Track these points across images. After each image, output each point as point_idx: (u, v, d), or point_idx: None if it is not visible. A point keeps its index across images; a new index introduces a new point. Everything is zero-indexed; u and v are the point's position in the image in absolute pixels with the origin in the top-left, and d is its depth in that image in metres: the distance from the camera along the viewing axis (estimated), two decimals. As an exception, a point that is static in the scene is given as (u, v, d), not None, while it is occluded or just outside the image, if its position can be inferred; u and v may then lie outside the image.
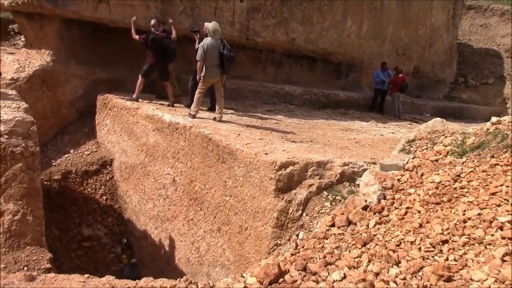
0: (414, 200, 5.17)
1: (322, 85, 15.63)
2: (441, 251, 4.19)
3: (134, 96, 10.32)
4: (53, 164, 10.27)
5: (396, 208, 5.20)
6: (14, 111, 7.90)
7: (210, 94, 10.20)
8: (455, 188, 5.02)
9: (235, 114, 10.57)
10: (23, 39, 14.52)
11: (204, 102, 9.90)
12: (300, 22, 14.05)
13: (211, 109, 10.22)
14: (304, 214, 6.34)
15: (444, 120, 7.15)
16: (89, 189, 10.12)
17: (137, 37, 10.13)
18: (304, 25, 14.17)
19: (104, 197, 10.21)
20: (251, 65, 14.20)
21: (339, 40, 15.31)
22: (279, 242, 6.34)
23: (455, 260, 4.00)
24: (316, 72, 15.75)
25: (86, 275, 4.46)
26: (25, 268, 6.65)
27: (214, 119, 9.21)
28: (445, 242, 4.27)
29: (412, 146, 6.65)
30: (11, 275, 4.62)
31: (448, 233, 4.35)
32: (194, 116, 9.16)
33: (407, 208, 5.09)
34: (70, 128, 11.24)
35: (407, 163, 6.08)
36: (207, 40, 9.03)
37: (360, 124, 11.63)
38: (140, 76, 10.29)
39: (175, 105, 10.40)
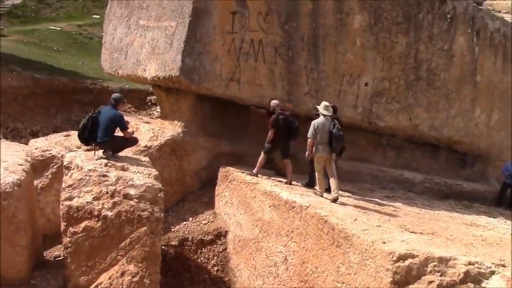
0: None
1: (445, 174, 14.94)
2: None
3: (254, 171, 10.63)
4: (172, 230, 10.73)
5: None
6: (146, 177, 8.49)
7: (309, 169, 10.40)
8: None
9: (352, 197, 10.41)
10: (158, 109, 15.83)
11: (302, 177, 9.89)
12: (425, 108, 13.78)
13: (308, 185, 10.48)
14: (422, 314, 5.93)
15: None
16: (202, 258, 10.36)
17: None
18: (428, 111, 13.87)
19: (216, 268, 10.37)
20: (371, 148, 14.04)
21: (466, 129, 14.70)
22: None
23: None
24: (438, 160, 15.14)
25: None
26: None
27: (332, 200, 9.25)
28: None
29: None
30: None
31: None
32: (322, 196, 9.49)
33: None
34: (191, 196, 11.75)
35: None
36: (318, 119, 9.55)
37: (487, 220, 10.85)
38: (262, 152, 10.63)
39: (293, 183, 10.53)
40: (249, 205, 10.15)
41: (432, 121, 14.01)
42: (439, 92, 13.93)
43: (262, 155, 10.64)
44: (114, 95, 9.63)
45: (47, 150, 10.84)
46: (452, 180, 14.48)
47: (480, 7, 17.87)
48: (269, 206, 9.44)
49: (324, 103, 9.84)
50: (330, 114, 9.68)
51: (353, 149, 12.95)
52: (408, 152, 14.58)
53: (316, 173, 9.82)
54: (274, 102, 10.78)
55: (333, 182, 9.47)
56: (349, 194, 10.66)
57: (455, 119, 14.42)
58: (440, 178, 14.31)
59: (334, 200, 9.22)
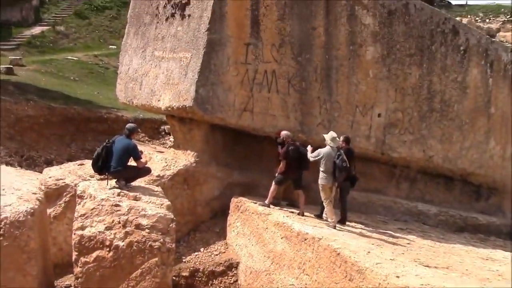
0: None
1: (459, 206, 14.75)
2: None
3: (266, 202, 10.58)
4: (183, 260, 10.65)
5: None
6: (158, 207, 8.48)
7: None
8: None
9: (365, 229, 10.31)
10: (171, 139, 15.91)
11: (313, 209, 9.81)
12: (439, 140, 13.72)
13: (319, 216, 10.50)
14: None
15: None
16: (213, 290, 10.26)
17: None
18: (442, 143, 13.80)
19: (226, 300, 10.25)
20: (384, 180, 13.94)
21: (480, 161, 14.58)
22: None
23: None
24: (453, 192, 14.97)
25: None
26: None
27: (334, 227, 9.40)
28: None
29: None
30: None
31: None
32: (335, 227, 9.57)
33: None
34: (202, 226, 11.70)
35: None
36: (325, 148, 9.85)
37: (503, 254, 10.64)
38: (274, 183, 10.60)
39: (305, 214, 10.47)
40: (261, 236, 10.07)
41: (446, 152, 13.92)
42: (453, 124, 13.88)
43: (273, 186, 10.60)
44: (128, 125, 9.72)
45: (61, 179, 10.90)
46: (467, 213, 14.30)
47: (493, 39, 17.92)
48: (281, 238, 9.36)
49: (332, 134, 10.06)
50: (336, 145, 9.88)
51: (366, 180, 12.90)
52: (422, 183, 14.46)
53: (324, 203, 9.91)
54: (284, 133, 10.80)
55: (328, 210, 9.80)
56: (362, 226, 10.56)
57: (469, 150, 14.32)
58: (455, 211, 14.14)
59: (333, 227, 9.57)
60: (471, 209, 14.86)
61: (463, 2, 49.90)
